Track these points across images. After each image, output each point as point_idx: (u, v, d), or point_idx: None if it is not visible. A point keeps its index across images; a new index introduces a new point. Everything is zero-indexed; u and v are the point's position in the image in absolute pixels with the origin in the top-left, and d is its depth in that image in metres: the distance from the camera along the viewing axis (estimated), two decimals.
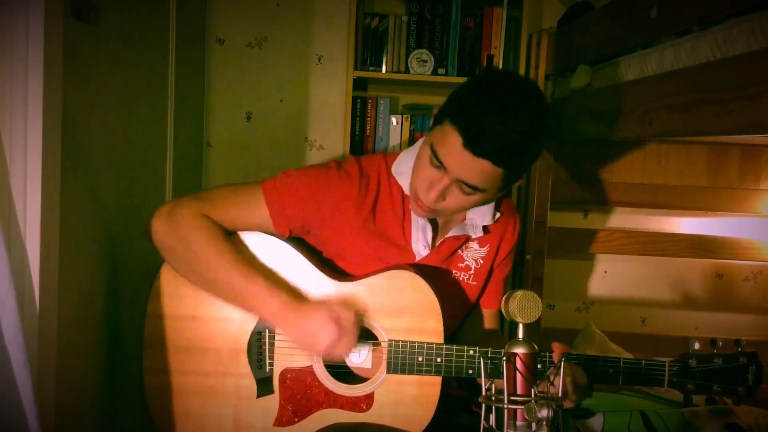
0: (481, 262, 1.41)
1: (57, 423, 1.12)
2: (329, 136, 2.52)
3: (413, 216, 1.32)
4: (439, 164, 1.18)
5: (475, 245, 1.40)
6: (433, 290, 1.27)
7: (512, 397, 0.95)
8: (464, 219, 1.38)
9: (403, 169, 1.32)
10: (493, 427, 0.97)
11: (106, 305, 1.39)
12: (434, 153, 1.18)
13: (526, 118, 1.14)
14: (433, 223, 1.35)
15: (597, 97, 1.89)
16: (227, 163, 2.50)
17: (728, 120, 1.23)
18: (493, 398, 0.98)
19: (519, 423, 0.94)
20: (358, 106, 2.37)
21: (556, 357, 1.21)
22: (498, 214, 1.39)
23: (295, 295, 1.24)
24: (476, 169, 1.15)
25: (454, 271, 1.39)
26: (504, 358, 0.97)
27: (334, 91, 2.50)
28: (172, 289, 1.28)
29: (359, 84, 2.42)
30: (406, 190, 1.31)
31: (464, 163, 1.15)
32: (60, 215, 1.10)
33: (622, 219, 2.60)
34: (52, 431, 1.10)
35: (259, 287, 1.21)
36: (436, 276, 1.33)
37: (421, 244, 1.33)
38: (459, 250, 1.39)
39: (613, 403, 1.77)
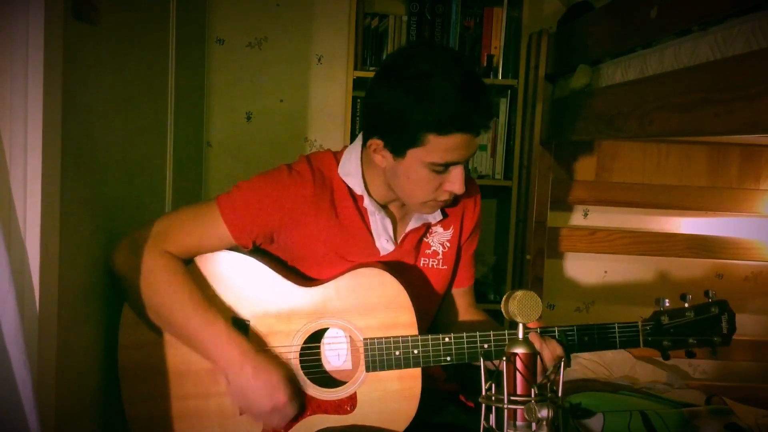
0: (448, 245, 1.39)
1: (57, 423, 1.12)
2: (329, 136, 2.53)
3: (370, 213, 1.31)
4: (449, 166, 1.20)
5: (439, 229, 1.39)
6: (402, 284, 1.26)
7: (512, 397, 0.95)
8: None
9: (350, 170, 1.31)
10: (493, 427, 0.97)
11: (106, 305, 1.39)
12: (443, 164, 1.19)
13: (471, 67, 1.20)
14: (391, 215, 1.34)
15: (597, 97, 1.89)
16: (227, 163, 2.50)
17: (728, 120, 1.23)
18: (493, 398, 0.98)
19: (519, 423, 0.94)
20: (358, 106, 2.37)
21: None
22: None
23: (254, 344, 1.23)
24: (482, 137, 1.23)
25: (423, 260, 1.38)
26: (504, 358, 0.97)
27: (334, 91, 2.50)
28: (141, 318, 1.27)
29: (359, 84, 2.42)
30: (357, 189, 1.30)
31: (476, 143, 1.20)
32: (60, 215, 1.10)
33: (622, 219, 2.60)
34: (52, 431, 1.10)
35: (217, 332, 1.21)
36: (406, 269, 1.33)
37: (384, 239, 1.32)
38: (424, 238, 1.38)
39: (613, 403, 1.77)
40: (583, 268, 2.66)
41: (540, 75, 2.32)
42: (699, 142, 2.48)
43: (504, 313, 1.00)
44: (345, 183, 1.31)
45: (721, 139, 2.39)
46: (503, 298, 1.00)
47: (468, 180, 1.40)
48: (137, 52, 1.59)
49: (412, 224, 1.35)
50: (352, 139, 2.35)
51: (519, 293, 0.97)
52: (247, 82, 2.49)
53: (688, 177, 2.50)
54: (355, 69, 2.31)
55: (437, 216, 1.36)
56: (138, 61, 1.60)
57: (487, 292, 2.41)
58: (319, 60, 2.51)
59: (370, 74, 2.34)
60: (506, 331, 1.26)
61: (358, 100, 2.37)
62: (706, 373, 2.57)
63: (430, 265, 1.39)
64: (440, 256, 1.39)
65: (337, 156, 1.34)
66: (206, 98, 2.46)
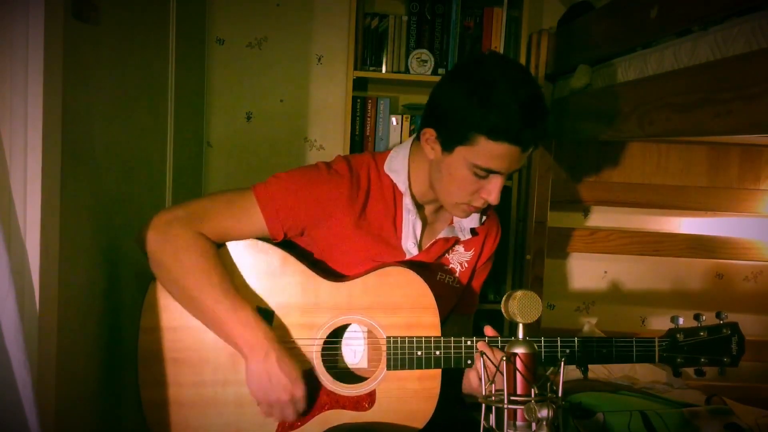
0: (466, 265, 1.43)
1: (57, 423, 1.12)
2: (329, 136, 2.52)
3: (404, 213, 1.33)
4: (490, 173, 1.23)
5: (461, 248, 1.42)
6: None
7: (512, 397, 0.95)
8: (452, 222, 1.39)
9: (397, 167, 1.34)
10: (493, 427, 0.97)
11: (106, 305, 1.39)
12: (485, 169, 1.22)
13: (538, 89, 1.23)
14: (423, 219, 1.37)
15: (597, 97, 1.89)
16: (227, 163, 2.50)
17: (728, 120, 1.23)
18: (493, 398, 0.98)
19: (519, 423, 0.94)
20: (358, 106, 2.37)
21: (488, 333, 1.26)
22: (484, 217, 1.41)
23: (279, 337, 1.24)
24: (528, 154, 1.24)
25: (440, 274, 1.40)
26: (503, 358, 0.97)
27: (334, 91, 2.50)
28: (165, 302, 1.27)
29: (359, 84, 2.42)
30: (401, 186, 1.33)
31: (522, 158, 1.23)
32: (60, 215, 1.10)
33: (622, 219, 2.60)
34: (52, 431, 1.10)
35: (245, 317, 1.21)
36: (425, 275, 1.34)
37: (410, 242, 1.34)
38: (446, 253, 1.40)
39: (613, 403, 1.77)
40: (583, 268, 2.66)
41: (540, 75, 2.32)
42: (699, 142, 2.48)
43: (504, 313, 1.00)
44: (384, 181, 1.33)
45: (721, 139, 2.39)
46: (503, 298, 1.00)
47: (493, 211, 1.46)
48: (137, 52, 1.59)
49: (444, 233, 1.37)
50: (352, 138, 2.35)
51: (519, 293, 0.97)
52: (247, 82, 2.49)
53: (688, 177, 2.50)
54: (355, 69, 2.31)
55: (467, 233, 1.38)
56: (138, 61, 1.60)
57: (487, 292, 2.41)
58: (319, 60, 2.51)
59: (371, 74, 2.36)
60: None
61: (358, 100, 2.37)
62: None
63: (446, 281, 1.41)
64: (457, 275, 1.42)
65: (376, 157, 1.37)
66: (206, 98, 2.46)
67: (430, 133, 1.27)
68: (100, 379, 1.38)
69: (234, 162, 2.50)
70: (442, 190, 1.29)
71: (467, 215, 1.34)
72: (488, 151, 1.19)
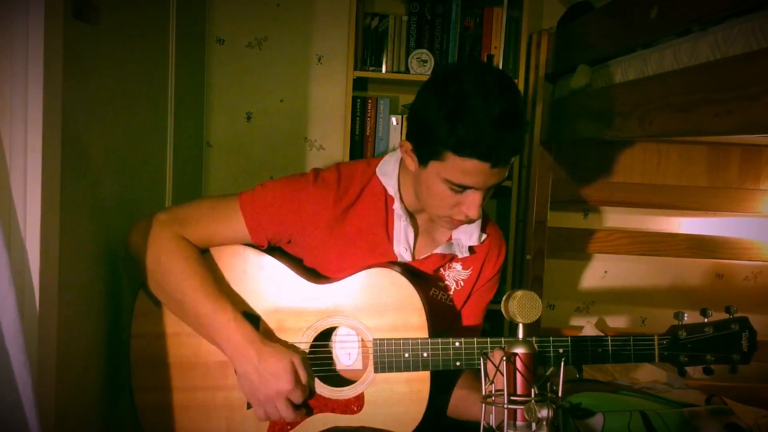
0: (462, 284, 1.39)
1: (57, 423, 1.12)
2: (329, 136, 2.53)
3: (395, 218, 1.32)
4: (465, 188, 1.19)
5: (458, 266, 1.38)
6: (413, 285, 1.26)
7: (512, 397, 0.95)
8: (450, 238, 1.36)
9: (388, 170, 1.32)
10: (493, 427, 0.97)
11: (106, 305, 1.39)
12: (458, 185, 1.18)
13: (515, 103, 1.16)
14: (415, 226, 1.35)
15: (597, 97, 1.89)
16: (227, 163, 2.50)
17: (728, 120, 1.23)
18: (493, 398, 0.98)
19: (519, 423, 0.94)
20: (358, 106, 2.37)
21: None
22: (484, 236, 1.37)
23: (262, 335, 1.23)
24: (505, 170, 1.20)
25: (433, 289, 1.37)
26: (503, 358, 0.97)
27: (334, 91, 2.50)
28: (154, 308, 1.28)
29: (359, 84, 2.42)
30: (390, 190, 1.31)
31: (495, 174, 1.18)
32: (60, 215, 1.10)
33: (622, 219, 2.60)
34: (52, 431, 1.10)
35: (226, 318, 1.21)
36: (418, 287, 1.32)
37: (402, 247, 1.32)
38: (441, 269, 1.37)
39: (613, 403, 1.77)
40: (583, 268, 2.66)
41: (540, 75, 2.32)
42: (699, 142, 2.48)
43: (504, 313, 0.99)
44: (376, 186, 1.32)
45: (721, 139, 2.39)
46: (503, 298, 1.00)
47: (495, 229, 1.42)
48: (137, 52, 1.59)
49: (441, 250, 1.34)
50: (352, 138, 2.36)
51: (519, 293, 0.97)
52: (247, 82, 2.49)
53: (688, 177, 2.50)
54: (355, 69, 2.31)
55: (464, 251, 1.35)
56: (138, 61, 1.60)
57: None
58: (319, 60, 2.51)
59: (371, 74, 2.36)
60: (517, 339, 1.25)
61: (358, 100, 2.37)
62: None
63: (438, 297, 1.38)
64: (451, 292, 1.39)
65: (370, 163, 1.35)
66: (206, 98, 2.46)
67: (407, 146, 1.24)
68: (101, 379, 1.38)
69: (234, 162, 2.50)
70: (425, 202, 1.27)
71: (454, 227, 1.31)
72: (457, 166, 1.15)
